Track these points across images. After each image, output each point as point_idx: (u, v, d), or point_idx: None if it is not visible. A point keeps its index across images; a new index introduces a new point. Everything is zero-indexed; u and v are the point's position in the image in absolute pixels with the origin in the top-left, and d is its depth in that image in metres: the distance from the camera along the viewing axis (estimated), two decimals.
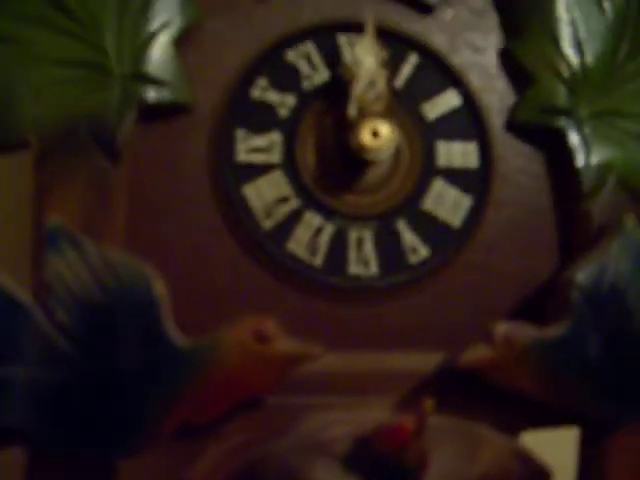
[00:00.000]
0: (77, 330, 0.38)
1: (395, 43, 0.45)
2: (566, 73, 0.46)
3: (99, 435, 0.38)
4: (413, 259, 0.45)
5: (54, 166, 0.42)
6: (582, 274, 0.42)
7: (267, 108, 0.44)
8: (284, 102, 0.44)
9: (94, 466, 0.41)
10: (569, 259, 0.46)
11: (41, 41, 0.42)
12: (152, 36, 0.43)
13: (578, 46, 0.46)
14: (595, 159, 0.46)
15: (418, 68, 0.46)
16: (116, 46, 0.42)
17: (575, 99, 0.46)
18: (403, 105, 0.45)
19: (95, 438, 0.38)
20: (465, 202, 0.45)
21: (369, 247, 0.44)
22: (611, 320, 0.42)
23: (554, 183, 0.47)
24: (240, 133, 0.44)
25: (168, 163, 0.44)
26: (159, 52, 0.43)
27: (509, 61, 0.47)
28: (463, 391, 0.42)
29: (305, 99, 0.45)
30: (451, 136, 0.46)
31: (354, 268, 0.44)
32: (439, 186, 0.45)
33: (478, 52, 0.47)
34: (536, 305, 0.45)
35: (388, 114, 0.43)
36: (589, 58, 0.46)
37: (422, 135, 0.45)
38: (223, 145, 0.44)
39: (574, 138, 0.46)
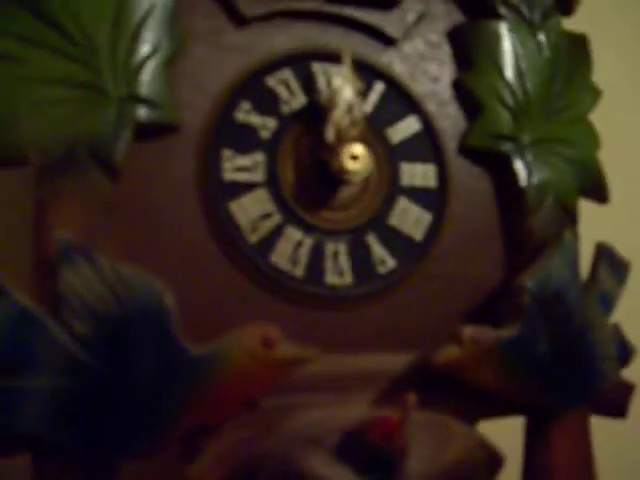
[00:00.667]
0: (95, 341, 0.39)
1: (363, 72, 0.49)
2: (510, 102, 0.51)
3: (113, 440, 0.40)
4: (382, 269, 0.48)
5: (54, 182, 0.42)
6: (531, 281, 0.48)
7: (250, 130, 0.47)
8: (265, 124, 0.47)
9: (95, 466, 0.42)
10: (515, 268, 0.51)
11: (39, 61, 0.43)
12: (144, 59, 0.44)
13: (520, 78, 0.51)
14: (535, 180, 0.51)
15: (383, 96, 0.50)
16: (111, 68, 0.44)
17: (518, 126, 0.51)
18: (371, 130, 0.49)
19: (109, 443, 0.40)
20: (425, 218, 0.49)
21: (344, 259, 0.47)
22: (555, 320, 0.47)
23: (501, 201, 0.52)
24: (226, 153, 0.46)
25: (159, 180, 0.45)
26: (150, 75, 0.45)
27: (461, 90, 0.51)
28: (429, 387, 0.46)
29: (285, 122, 0.47)
30: (412, 158, 0.50)
31: (331, 278, 0.47)
32: (403, 204, 0.49)
33: (434, 81, 0.51)
34: (488, 308, 0.50)
35: (362, 138, 0.46)
36: (530, 89, 0.51)
37: (388, 157, 0.49)
38: (210, 164, 0.46)
39: (518, 162, 0.51)
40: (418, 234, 0.49)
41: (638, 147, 1.00)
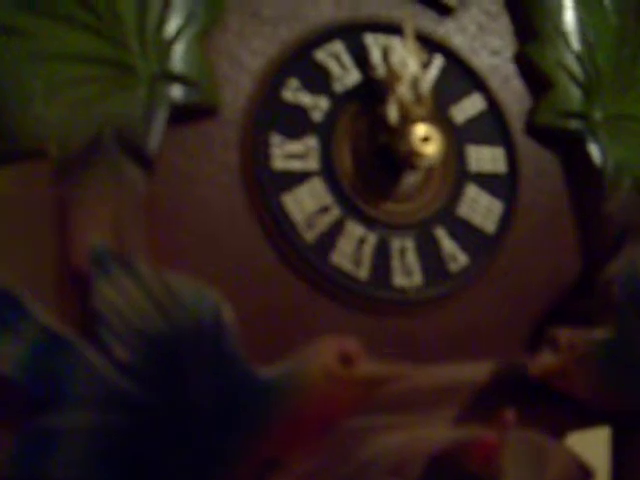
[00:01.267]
0: (140, 367, 0.31)
1: (421, 45, 0.42)
2: (580, 76, 0.45)
3: None
4: (454, 267, 0.41)
5: (77, 177, 0.34)
6: (620, 274, 0.41)
7: (300, 111, 0.39)
8: (317, 105, 0.40)
9: None
10: (593, 259, 0.44)
11: (54, 35, 0.35)
12: (176, 32, 0.37)
13: (588, 49, 0.45)
14: (611, 161, 0.45)
15: (444, 71, 0.43)
16: (139, 41, 0.36)
17: (589, 103, 0.45)
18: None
19: None
20: (497, 207, 0.43)
21: (411, 256, 0.40)
22: None
23: (573, 186, 0.45)
24: (275, 138, 0.39)
25: (196, 172, 0.38)
26: (183, 49, 0.37)
27: (525, 64, 0.45)
28: (516, 399, 0.40)
29: (338, 101, 0.40)
30: (479, 140, 0.43)
31: (399, 279, 0.40)
32: (472, 192, 0.42)
33: (495, 55, 0.45)
34: (569, 306, 0.43)
35: (430, 118, 0.39)
36: (599, 61, 0.45)
37: (453, 140, 0.42)
38: (258, 151, 0.38)
39: (590, 141, 0.45)
40: (490, 225, 0.42)
41: None
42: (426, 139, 0.38)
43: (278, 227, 0.38)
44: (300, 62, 0.40)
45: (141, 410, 0.32)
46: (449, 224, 0.42)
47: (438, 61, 0.43)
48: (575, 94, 0.44)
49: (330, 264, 0.39)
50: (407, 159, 0.39)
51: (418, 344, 0.40)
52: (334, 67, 0.40)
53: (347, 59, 0.41)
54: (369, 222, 0.40)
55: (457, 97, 0.43)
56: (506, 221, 0.43)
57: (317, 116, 0.40)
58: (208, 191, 0.38)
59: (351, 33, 0.41)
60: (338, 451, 0.36)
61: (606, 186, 0.44)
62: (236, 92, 0.39)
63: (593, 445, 0.45)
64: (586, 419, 0.42)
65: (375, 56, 0.41)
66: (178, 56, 0.37)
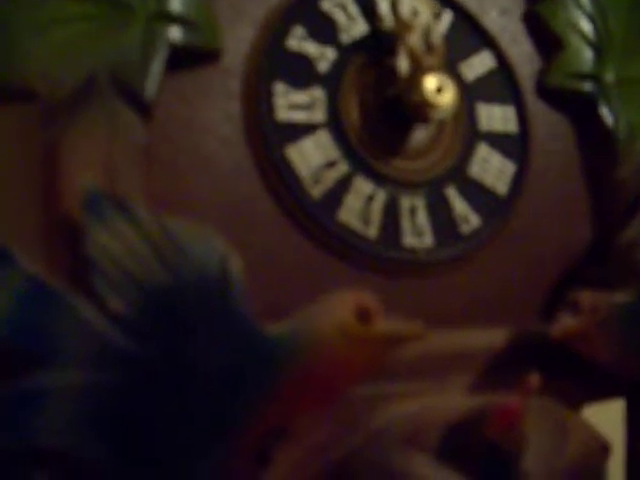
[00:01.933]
0: (136, 320, 0.28)
1: None
2: (591, 36, 0.42)
3: (165, 455, 0.28)
4: (466, 229, 0.38)
5: (68, 121, 0.31)
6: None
7: (306, 61, 0.36)
8: (323, 55, 0.37)
9: None
10: (607, 226, 0.41)
11: None
12: None
13: (599, 7, 0.42)
14: (623, 124, 0.42)
15: (453, 27, 0.40)
16: None
17: (601, 64, 0.42)
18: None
19: (159, 460, 0.28)
20: (509, 168, 0.40)
21: (422, 216, 0.37)
22: None
23: (586, 150, 0.42)
24: (279, 87, 0.35)
25: (196, 121, 0.34)
26: None
27: (534, 23, 0.42)
28: (532, 368, 0.36)
29: (345, 53, 0.37)
30: (490, 99, 0.40)
31: (409, 239, 0.37)
32: (484, 151, 0.39)
33: (503, 13, 0.42)
34: (583, 272, 0.40)
35: (442, 69, 0.36)
36: (612, 23, 0.42)
37: (463, 97, 0.39)
38: (260, 100, 0.35)
39: (602, 104, 0.42)
40: (502, 187, 0.40)
41: None
42: (439, 89, 0.36)
43: (282, 181, 0.35)
44: (305, 10, 0.37)
45: (136, 367, 0.28)
46: (460, 184, 0.39)
47: (447, 16, 0.40)
48: (587, 55, 0.42)
49: (337, 222, 0.36)
50: (419, 111, 0.36)
51: (429, 307, 0.37)
52: (340, 17, 0.37)
53: (354, 9, 0.38)
54: (378, 178, 0.37)
55: (466, 54, 0.40)
56: (518, 183, 0.40)
57: (323, 67, 0.37)
58: (208, 142, 0.35)
59: None
60: (348, 421, 0.33)
61: (619, 150, 0.42)
62: (238, 39, 0.36)
63: (608, 419, 0.42)
64: (603, 391, 0.39)
65: (383, 7, 0.38)
66: None
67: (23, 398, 0.27)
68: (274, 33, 0.36)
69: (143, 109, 0.32)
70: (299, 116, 0.36)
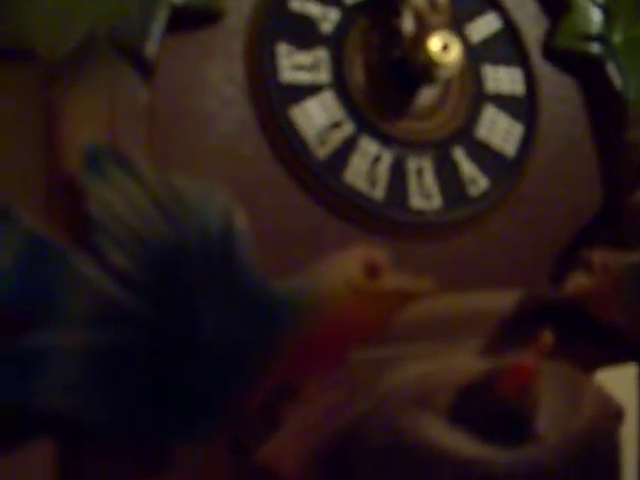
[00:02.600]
0: (139, 277, 0.27)
1: None
2: None
3: (169, 417, 0.27)
4: (474, 191, 0.37)
5: (68, 81, 0.30)
6: None
7: (309, 22, 0.35)
8: (327, 16, 0.35)
9: (143, 451, 0.29)
10: (616, 189, 0.40)
11: None
12: None
13: None
14: (632, 86, 0.40)
15: None
16: None
17: (609, 25, 0.41)
18: None
19: (163, 422, 0.27)
20: (516, 130, 0.39)
21: (430, 178, 0.36)
22: None
23: (594, 112, 0.41)
24: (282, 48, 0.34)
25: (198, 83, 0.33)
26: None
27: None
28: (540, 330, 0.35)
29: (349, 14, 0.36)
30: (496, 60, 0.39)
31: (417, 201, 0.36)
32: (491, 112, 0.38)
33: None
34: (591, 234, 0.39)
35: (449, 27, 0.35)
36: None
37: (469, 58, 0.38)
38: (264, 61, 0.34)
39: (611, 65, 0.40)
40: (510, 149, 0.38)
41: None
42: (445, 48, 0.34)
43: (287, 142, 0.34)
44: None
45: (140, 326, 0.27)
46: (468, 145, 0.37)
47: None
48: (594, 16, 0.41)
49: (344, 183, 0.34)
50: (425, 71, 0.35)
51: (438, 270, 0.35)
52: None
53: None
54: (384, 139, 0.35)
55: (472, 15, 0.39)
56: (526, 145, 0.39)
57: (327, 27, 0.35)
58: (211, 104, 0.33)
59: None
60: (358, 383, 0.32)
61: (628, 111, 0.40)
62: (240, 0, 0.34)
63: (621, 384, 0.40)
64: (616, 355, 0.38)
65: None
66: None
67: (21, 358, 0.26)
68: None
69: (144, 69, 0.31)
70: (303, 77, 0.34)
